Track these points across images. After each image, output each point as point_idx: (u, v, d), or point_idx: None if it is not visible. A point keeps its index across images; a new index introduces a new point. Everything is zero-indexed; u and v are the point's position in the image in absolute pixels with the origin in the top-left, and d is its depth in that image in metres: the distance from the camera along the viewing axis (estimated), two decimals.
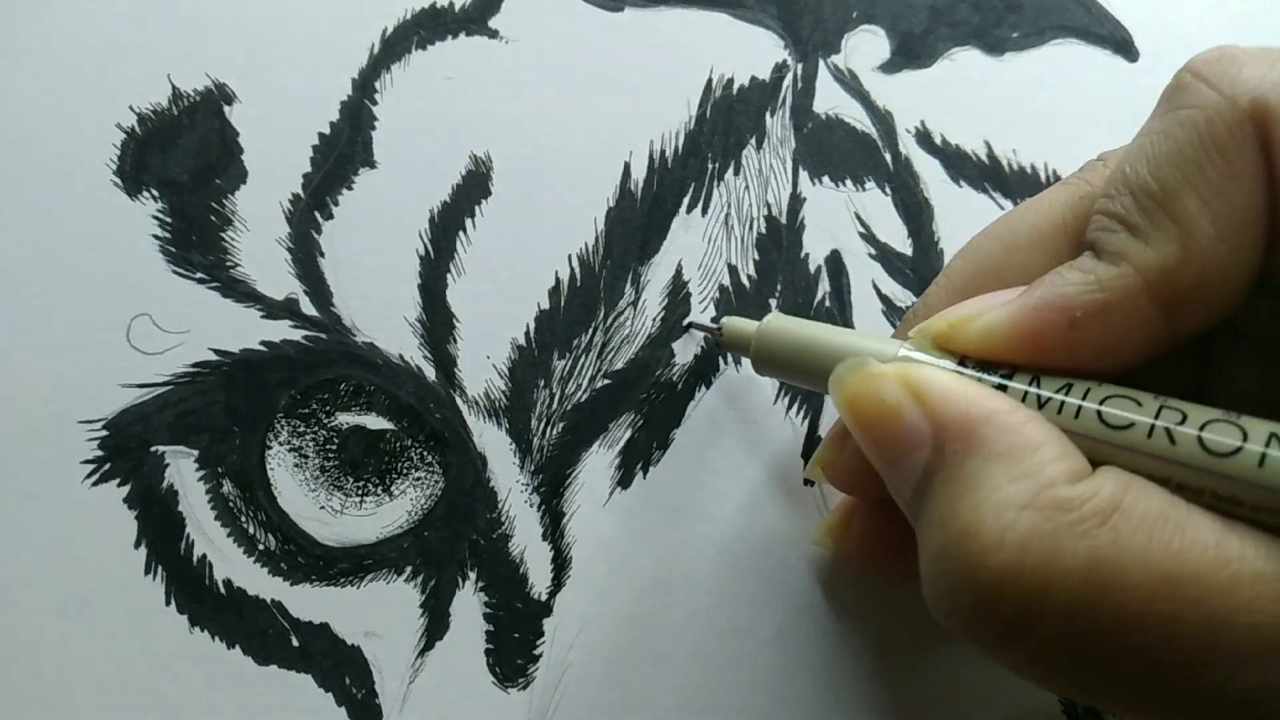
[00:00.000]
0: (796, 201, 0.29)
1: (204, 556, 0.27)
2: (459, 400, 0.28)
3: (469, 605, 0.27)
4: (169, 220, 0.27)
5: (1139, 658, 0.17)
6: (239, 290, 0.27)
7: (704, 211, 0.29)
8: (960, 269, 0.25)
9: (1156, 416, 0.19)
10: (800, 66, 0.30)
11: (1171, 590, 0.17)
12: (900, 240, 0.30)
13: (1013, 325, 0.21)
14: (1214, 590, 0.17)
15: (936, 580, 0.19)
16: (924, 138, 0.30)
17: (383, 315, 0.28)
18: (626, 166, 0.29)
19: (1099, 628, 0.17)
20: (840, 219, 0.30)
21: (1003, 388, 0.21)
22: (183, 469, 0.27)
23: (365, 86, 0.28)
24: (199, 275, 0.27)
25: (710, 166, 0.29)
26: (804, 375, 0.25)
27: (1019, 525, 0.18)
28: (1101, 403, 0.20)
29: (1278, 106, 0.19)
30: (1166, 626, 0.17)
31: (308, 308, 0.27)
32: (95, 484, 0.26)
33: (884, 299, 0.29)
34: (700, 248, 0.29)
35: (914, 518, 0.21)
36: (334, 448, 0.27)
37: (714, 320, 0.28)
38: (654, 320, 0.28)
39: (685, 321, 0.28)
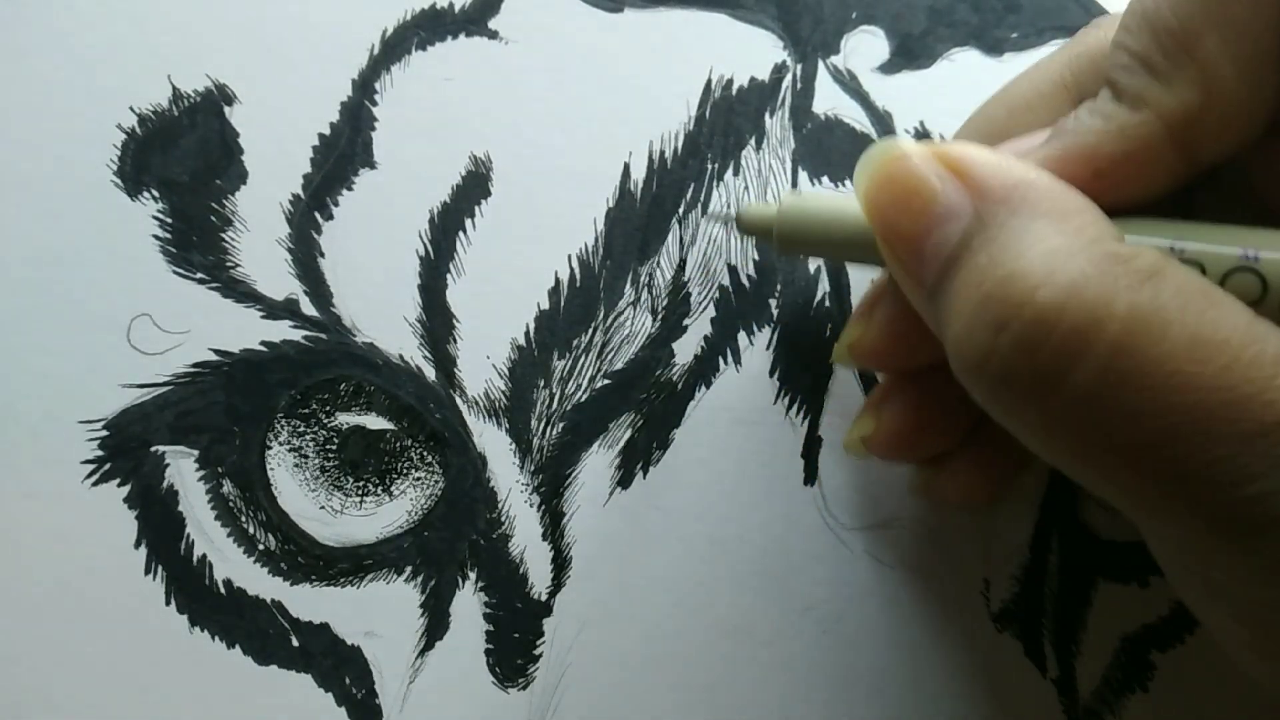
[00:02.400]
0: None
1: (204, 556, 0.27)
2: (459, 400, 0.28)
3: (469, 605, 0.27)
4: (169, 221, 0.27)
5: (1159, 419, 0.17)
6: (239, 290, 0.27)
7: (704, 212, 0.29)
8: (964, 136, 0.25)
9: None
10: (799, 67, 0.30)
11: (1204, 353, 0.17)
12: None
13: None
14: (1241, 361, 0.17)
15: (973, 330, 0.19)
16: (923, 138, 0.30)
17: (383, 315, 0.28)
18: (626, 167, 0.29)
19: (1132, 381, 0.17)
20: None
21: None
22: (183, 469, 0.27)
23: (365, 87, 0.28)
24: (199, 275, 0.27)
25: (710, 167, 0.29)
26: (837, 243, 0.24)
27: (1069, 268, 0.18)
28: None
29: None
30: (1192, 392, 0.17)
31: (308, 308, 0.27)
32: (95, 484, 0.26)
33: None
34: (700, 248, 0.29)
35: (938, 294, 0.20)
36: (334, 448, 0.27)
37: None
38: (654, 320, 0.28)
39: (703, 215, 0.28)
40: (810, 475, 0.29)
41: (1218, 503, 0.18)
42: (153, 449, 0.27)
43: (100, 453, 0.27)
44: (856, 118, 0.30)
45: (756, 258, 0.29)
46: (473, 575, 0.27)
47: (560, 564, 0.28)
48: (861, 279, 0.29)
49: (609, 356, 0.28)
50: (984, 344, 0.19)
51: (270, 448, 0.27)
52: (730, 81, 0.30)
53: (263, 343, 0.27)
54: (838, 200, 0.24)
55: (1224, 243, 0.20)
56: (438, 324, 0.28)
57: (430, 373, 0.28)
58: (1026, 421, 0.19)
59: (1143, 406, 0.17)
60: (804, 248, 0.25)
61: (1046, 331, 0.18)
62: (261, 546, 0.27)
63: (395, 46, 0.29)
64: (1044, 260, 0.18)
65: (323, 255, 0.28)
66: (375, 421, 0.27)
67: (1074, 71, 0.23)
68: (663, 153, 0.29)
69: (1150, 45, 0.20)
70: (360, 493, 0.27)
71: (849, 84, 0.30)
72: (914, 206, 0.20)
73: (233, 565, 0.27)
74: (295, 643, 0.27)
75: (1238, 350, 0.17)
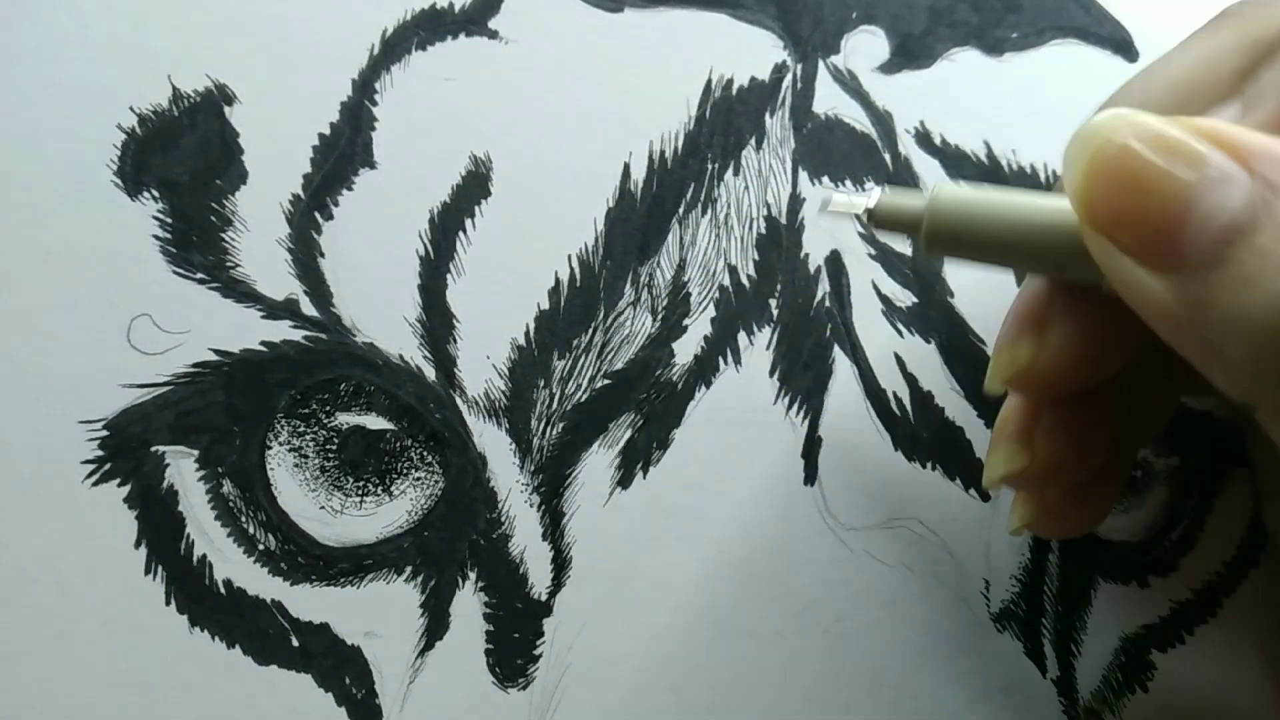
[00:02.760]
0: (796, 202, 0.29)
1: (204, 556, 0.27)
2: (459, 400, 0.28)
3: (469, 605, 0.27)
4: (169, 221, 0.27)
5: None
6: (239, 291, 0.27)
7: (704, 212, 0.29)
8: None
9: None
10: (800, 67, 0.30)
11: None
12: (900, 240, 0.30)
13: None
14: None
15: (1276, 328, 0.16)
16: (923, 138, 0.30)
17: (383, 315, 0.28)
18: (626, 167, 0.29)
19: None
20: (840, 219, 0.30)
21: None
22: (183, 469, 0.27)
23: (365, 87, 0.28)
24: (199, 276, 0.27)
25: (710, 167, 0.29)
26: (1003, 243, 0.21)
27: None
28: None
29: None
30: None
31: (308, 308, 0.27)
32: (95, 484, 0.26)
33: (884, 299, 0.29)
34: (700, 248, 0.29)
35: (1221, 267, 0.17)
36: (334, 448, 0.27)
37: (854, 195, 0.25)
38: (654, 320, 0.28)
39: (822, 205, 0.24)
40: (810, 475, 0.29)
41: None
42: (153, 449, 0.27)
43: (100, 453, 0.27)
44: (856, 117, 0.30)
45: (757, 258, 0.29)
46: (473, 575, 0.27)
47: (560, 564, 0.28)
48: (863, 281, 0.29)
49: (609, 356, 0.28)
50: None
51: (270, 448, 0.27)
52: (730, 81, 0.30)
53: (263, 343, 0.27)
54: (999, 195, 0.21)
55: None
56: (438, 324, 0.28)
57: (430, 373, 0.28)
58: None
59: None
60: (956, 248, 0.22)
61: None
62: (261, 546, 0.27)
63: (395, 46, 0.29)
64: None
65: (323, 255, 0.28)
66: (375, 421, 0.27)
67: (1249, 55, 0.21)
68: (663, 153, 0.29)
69: None
70: (360, 493, 0.27)
71: (849, 84, 0.30)
72: (1174, 173, 0.18)
73: (233, 565, 0.27)
74: (295, 643, 0.27)
75: None
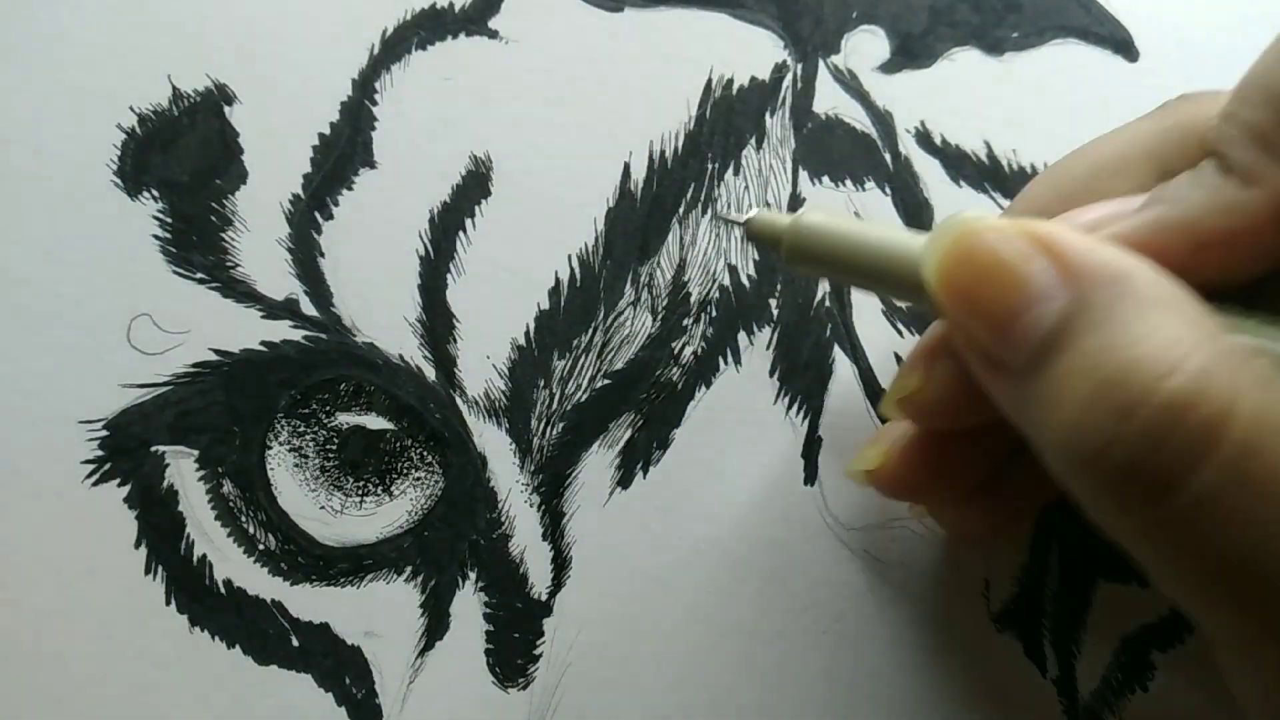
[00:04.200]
0: (796, 201, 0.29)
1: (204, 556, 0.27)
2: (459, 400, 0.28)
3: (469, 605, 0.27)
4: (169, 220, 0.27)
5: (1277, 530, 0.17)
6: (239, 290, 0.27)
7: (704, 211, 0.29)
8: (1040, 192, 0.24)
9: None
10: (800, 67, 0.30)
11: None
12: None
13: (1132, 241, 0.20)
14: None
15: (1091, 417, 0.18)
16: (924, 138, 0.30)
17: (383, 315, 0.28)
18: (626, 167, 0.29)
19: (1257, 486, 0.17)
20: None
21: None
22: (183, 469, 0.27)
23: (365, 87, 0.28)
24: (199, 275, 0.27)
25: (710, 167, 0.29)
26: (850, 268, 0.23)
27: (1196, 356, 0.17)
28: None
29: None
30: None
31: (308, 308, 0.27)
32: (95, 484, 0.26)
33: (884, 299, 0.29)
34: (700, 248, 0.29)
35: (1032, 377, 0.19)
36: (334, 448, 0.27)
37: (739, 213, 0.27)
38: (654, 320, 0.28)
39: (712, 215, 0.28)
40: (810, 475, 0.29)
41: None
42: (153, 449, 0.27)
43: (100, 453, 0.27)
44: (857, 117, 0.30)
45: (756, 258, 0.29)
46: (473, 575, 0.27)
47: (560, 564, 0.28)
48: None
49: (609, 356, 0.28)
50: (1105, 431, 0.17)
51: (270, 448, 0.27)
52: (730, 81, 0.30)
53: (263, 343, 0.27)
54: (855, 223, 0.23)
55: None
56: (438, 324, 0.28)
57: (430, 373, 0.28)
58: (1134, 519, 0.18)
59: (1268, 515, 0.17)
60: (812, 267, 0.24)
61: (1175, 421, 0.17)
62: (261, 546, 0.27)
63: (395, 46, 0.29)
64: (1168, 348, 0.17)
65: (323, 255, 0.28)
66: (375, 421, 0.27)
67: (1164, 145, 0.22)
68: (663, 152, 0.29)
69: (1270, 120, 0.19)
70: (360, 493, 0.27)
71: (849, 83, 0.30)
72: (1001, 284, 0.19)
73: (233, 565, 0.27)
74: (295, 643, 0.27)
75: None
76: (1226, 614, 0.18)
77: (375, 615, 0.27)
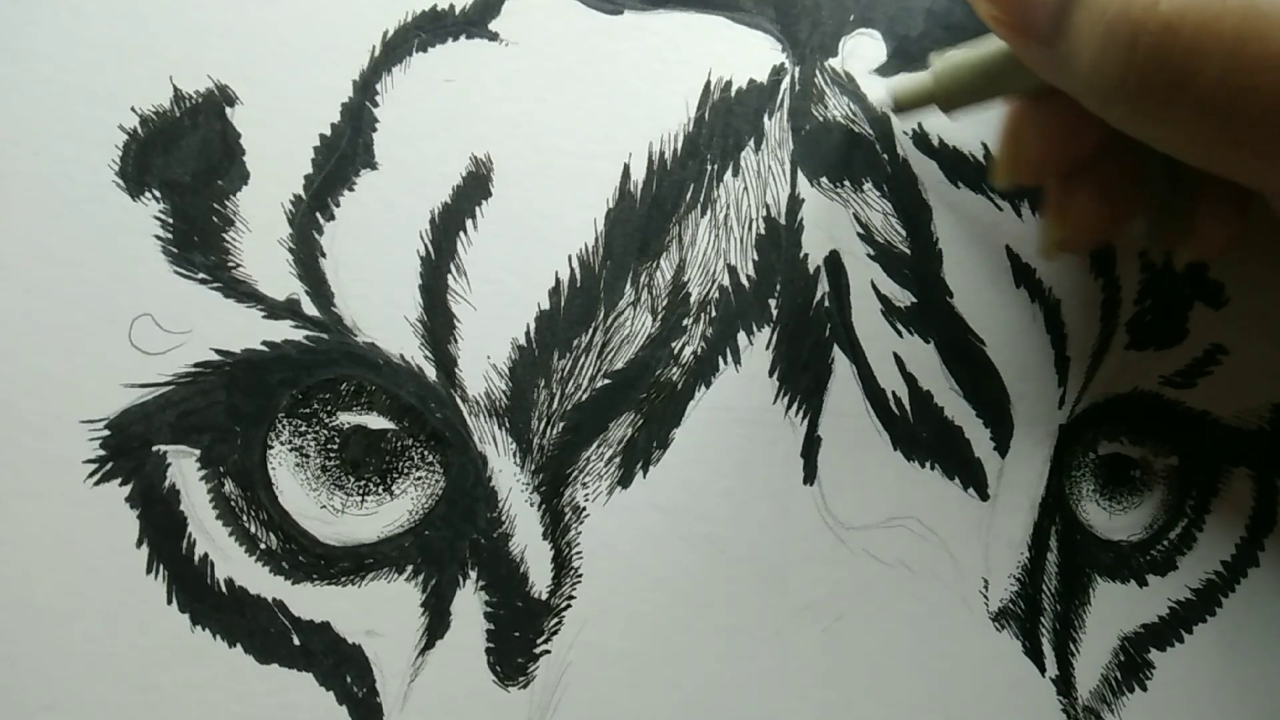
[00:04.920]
0: (795, 202, 0.30)
1: (205, 556, 0.27)
2: (459, 400, 0.28)
3: (470, 604, 0.27)
4: (171, 221, 0.27)
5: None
6: (241, 291, 0.27)
7: (703, 212, 0.29)
8: None
9: None
10: (798, 69, 0.30)
11: None
12: (899, 241, 0.30)
13: None
14: None
15: (1106, 53, 0.22)
16: (921, 139, 0.30)
17: (384, 315, 0.28)
18: (626, 168, 0.29)
19: (1256, 61, 0.20)
20: (839, 220, 0.30)
21: None
22: (184, 468, 0.27)
23: (366, 88, 0.28)
24: (201, 276, 0.27)
25: (709, 168, 0.29)
26: (993, 75, 0.27)
27: None
28: None
29: None
30: None
31: (309, 308, 0.28)
32: (97, 483, 0.26)
33: (883, 299, 0.29)
34: (700, 248, 0.29)
35: (1059, 38, 0.23)
36: (335, 447, 0.27)
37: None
38: (654, 320, 0.29)
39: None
40: (810, 475, 0.29)
41: None
42: (154, 448, 0.27)
43: (102, 452, 0.27)
44: (855, 119, 0.30)
45: (756, 258, 0.29)
46: (473, 574, 0.27)
47: (560, 563, 0.28)
48: (862, 281, 0.29)
49: (609, 356, 0.28)
50: (1120, 61, 0.21)
51: (272, 447, 0.27)
52: (729, 83, 0.30)
53: (264, 343, 0.27)
54: (975, 45, 0.27)
55: None
56: (438, 324, 0.28)
57: (431, 372, 0.28)
58: (1167, 124, 0.22)
59: (1265, 84, 0.20)
60: (966, 97, 0.27)
61: (1174, 34, 0.21)
62: (263, 546, 0.27)
63: (396, 48, 0.29)
64: None
65: (324, 255, 0.28)
66: (376, 421, 0.27)
67: None
68: (662, 153, 0.29)
69: None
70: (361, 492, 0.27)
71: (847, 86, 0.30)
72: None
73: (234, 564, 0.27)
74: (296, 642, 0.27)
75: None
76: (1272, 159, 0.22)
77: (376, 614, 0.27)
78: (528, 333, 0.28)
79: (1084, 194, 0.28)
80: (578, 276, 0.28)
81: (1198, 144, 0.23)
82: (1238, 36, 0.20)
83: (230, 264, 0.27)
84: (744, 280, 0.29)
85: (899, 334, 0.30)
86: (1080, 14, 0.22)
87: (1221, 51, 0.21)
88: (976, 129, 0.31)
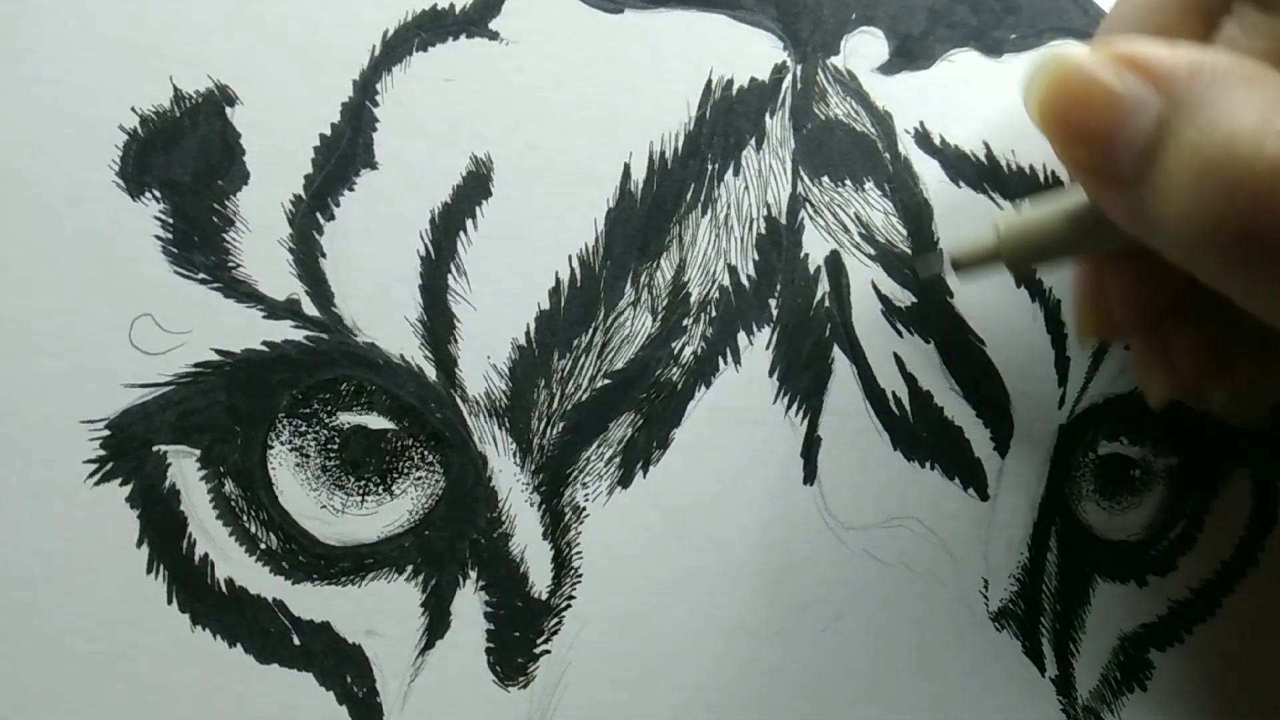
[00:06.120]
0: (796, 202, 0.30)
1: (205, 556, 0.27)
2: (459, 400, 0.28)
3: (470, 604, 0.27)
4: (171, 221, 0.27)
5: None
6: (241, 291, 0.27)
7: (704, 212, 0.29)
8: (1114, 25, 0.26)
9: None
10: (799, 68, 0.30)
11: None
12: (899, 240, 0.30)
13: None
14: None
15: (1201, 199, 0.19)
16: (923, 139, 0.30)
17: (384, 315, 0.28)
18: (626, 167, 0.29)
19: None
20: (839, 219, 0.30)
21: None
22: (185, 468, 0.27)
23: (366, 88, 0.28)
24: (201, 276, 0.27)
25: (710, 167, 0.29)
26: (1065, 235, 0.25)
27: None
28: None
29: None
30: None
31: (309, 308, 0.27)
32: (97, 483, 0.26)
33: (883, 299, 0.29)
34: (700, 248, 0.29)
35: (1144, 182, 0.20)
36: (335, 447, 0.27)
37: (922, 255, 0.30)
38: (654, 320, 0.29)
39: (911, 267, 0.29)
40: (810, 475, 0.29)
41: None
42: (155, 448, 0.27)
43: (102, 452, 0.27)
44: (856, 118, 0.30)
45: (756, 258, 0.29)
46: (473, 574, 0.28)
47: (560, 563, 0.28)
48: (863, 281, 0.29)
49: (609, 356, 0.28)
50: (1218, 209, 0.19)
51: (272, 447, 0.27)
52: (730, 82, 0.30)
53: (264, 343, 0.27)
54: (1041, 203, 0.25)
55: None
56: (438, 324, 0.28)
57: (431, 372, 0.28)
58: (1265, 281, 0.19)
59: None
60: (1036, 258, 0.26)
61: (1278, 181, 0.18)
62: (263, 546, 0.27)
63: (396, 47, 0.29)
64: (1261, 119, 0.19)
65: (324, 255, 0.28)
66: (376, 421, 0.27)
67: None
68: (663, 153, 0.29)
69: None
70: (361, 492, 0.27)
71: (849, 84, 0.30)
72: (1098, 104, 0.21)
73: (234, 564, 0.27)
74: (296, 642, 0.27)
75: None
76: None
77: (376, 614, 0.27)
78: (528, 333, 0.28)
79: (1179, 343, 0.27)
80: (578, 276, 0.28)
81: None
82: None
83: (230, 264, 0.27)
84: (744, 280, 0.29)
85: (899, 334, 0.30)
86: (1171, 154, 0.20)
87: None
88: (978, 128, 0.31)
